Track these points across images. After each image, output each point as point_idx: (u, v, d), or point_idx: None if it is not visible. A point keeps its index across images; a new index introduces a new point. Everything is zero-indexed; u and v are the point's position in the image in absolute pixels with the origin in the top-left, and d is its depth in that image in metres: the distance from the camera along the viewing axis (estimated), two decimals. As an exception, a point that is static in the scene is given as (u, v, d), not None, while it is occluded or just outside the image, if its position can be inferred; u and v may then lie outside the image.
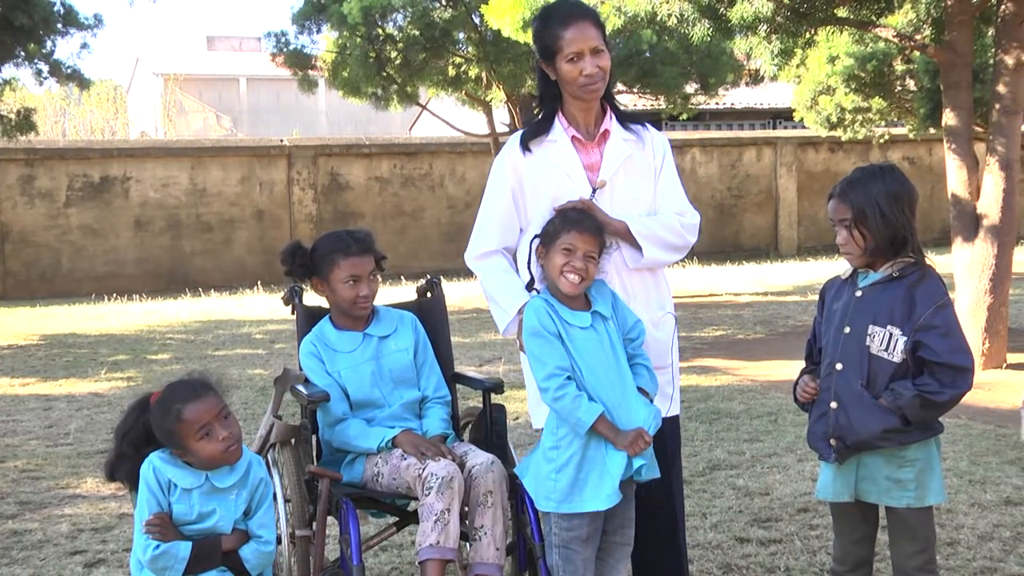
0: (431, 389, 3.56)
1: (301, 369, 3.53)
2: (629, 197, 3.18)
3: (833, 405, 2.95)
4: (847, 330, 2.95)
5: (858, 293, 2.96)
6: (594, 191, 3.15)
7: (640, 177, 3.22)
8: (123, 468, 2.84)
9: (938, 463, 2.95)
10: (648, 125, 3.30)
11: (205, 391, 2.79)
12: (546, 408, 3.02)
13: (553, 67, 3.14)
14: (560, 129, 3.21)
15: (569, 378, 2.93)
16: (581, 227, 2.99)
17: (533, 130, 3.24)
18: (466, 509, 3.24)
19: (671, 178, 3.30)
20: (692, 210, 3.32)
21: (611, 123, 3.23)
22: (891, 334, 2.86)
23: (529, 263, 3.11)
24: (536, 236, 3.08)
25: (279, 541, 3.15)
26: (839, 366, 2.95)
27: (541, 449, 3.04)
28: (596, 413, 2.90)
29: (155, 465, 2.77)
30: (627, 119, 3.27)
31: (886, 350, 2.87)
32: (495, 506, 3.20)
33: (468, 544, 3.27)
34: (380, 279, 3.59)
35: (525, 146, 3.21)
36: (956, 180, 7.84)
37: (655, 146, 3.27)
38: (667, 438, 3.23)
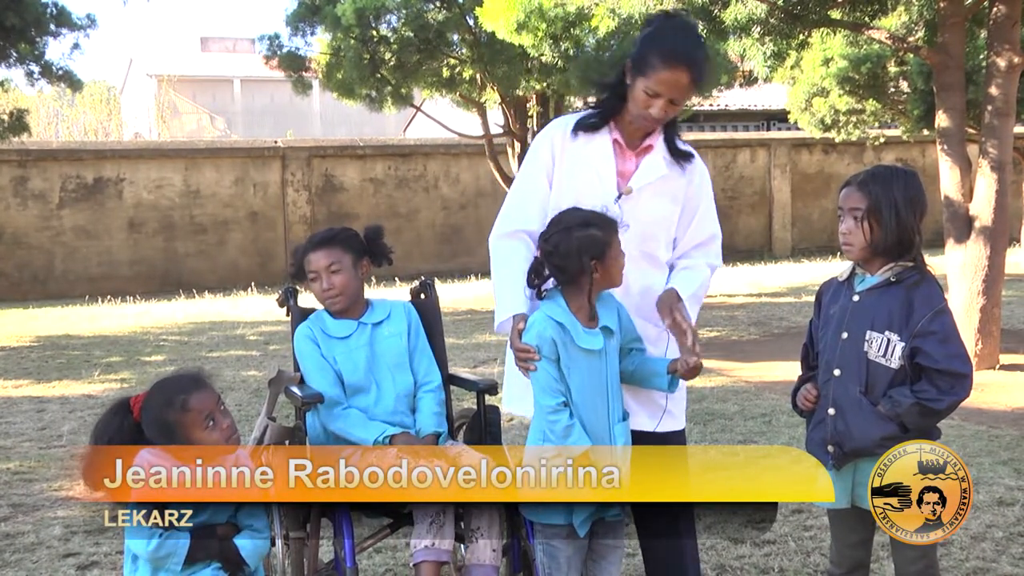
0: (421, 373, 3.56)
1: (295, 357, 3.55)
2: (651, 214, 3.12)
3: (831, 412, 2.93)
4: (845, 335, 2.93)
5: (855, 297, 2.94)
6: (619, 196, 3.10)
7: (669, 199, 3.15)
8: None
9: None
10: (696, 156, 3.22)
11: (204, 382, 2.83)
12: (525, 399, 3.04)
13: (634, 79, 3.05)
14: (605, 129, 3.16)
15: (565, 404, 2.89)
16: (611, 225, 2.94)
17: (589, 121, 3.15)
18: (460, 511, 3.24)
19: (707, 208, 3.23)
20: (720, 249, 3.27)
21: (657, 139, 3.16)
22: (889, 340, 2.85)
23: (530, 281, 3.02)
24: (592, 259, 2.89)
25: (272, 543, 3.15)
26: (837, 372, 2.93)
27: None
28: (583, 447, 2.86)
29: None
30: (677, 147, 3.18)
31: (884, 356, 2.86)
32: (491, 507, 3.20)
33: (463, 546, 3.27)
34: (357, 275, 3.55)
35: (576, 132, 3.14)
36: (949, 182, 7.86)
37: (694, 175, 3.20)
38: None
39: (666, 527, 3.18)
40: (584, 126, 3.15)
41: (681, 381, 3.07)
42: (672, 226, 3.18)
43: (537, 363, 2.89)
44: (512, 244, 3.15)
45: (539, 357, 2.89)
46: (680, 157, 3.18)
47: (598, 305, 2.98)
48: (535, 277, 2.98)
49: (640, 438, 3.12)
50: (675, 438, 3.25)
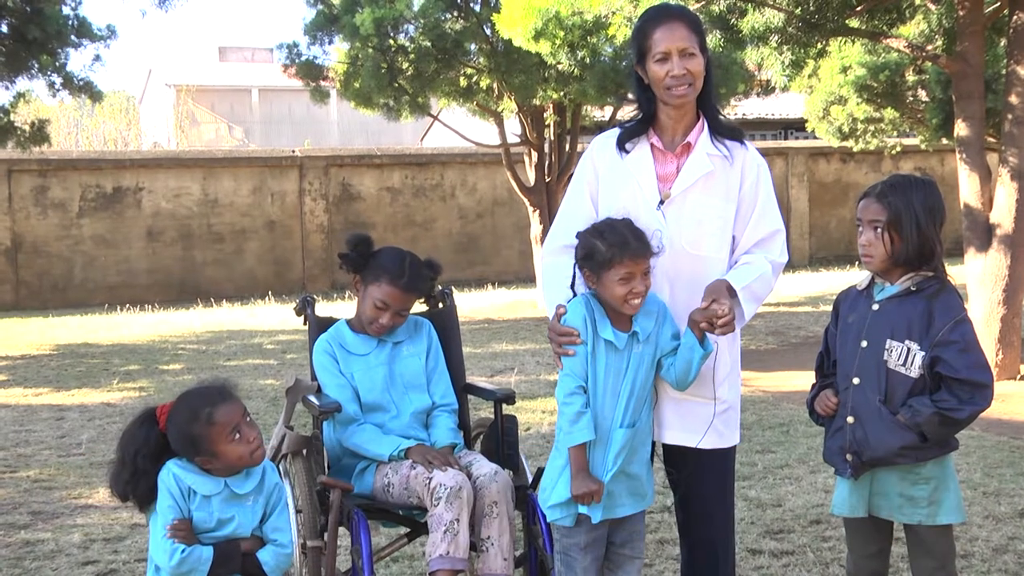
0: (439, 396, 3.56)
1: (313, 367, 3.54)
2: (698, 215, 3.04)
3: (850, 420, 2.92)
4: (864, 344, 2.92)
5: (875, 307, 2.93)
6: (661, 203, 3.05)
7: (718, 196, 3.06)
8: (143, 485, 2.81)
9: (955, 482, 2.92)
10: (747, 143, 3.13)
11: (229, 394, 2.81)
12: None
13: (645, 69, 3.03)
14: (643, 135, 3.12)
15: (584, 390, 2.91)
16: (633, 250, 2.89)
17: (630, 132, 3.13)
18: (473, 520, 3.24)
19: (766, 203, 3.09)
20: (784, 244, 3.13)
21: (698, 136, 3.08)
22: (908, 349, 2.83)
23: (573, 283, 3.02)
24: (577, 262, 2.98)
25: (291, 552, 3.15)
26: (856, 380, 2.92)
27: (554, 448, 3.05)
28: (579, 440, 2.88)
29: (175, 472, 2.77)
30: (724, 134, 3.10)
31: (903, 365, 2.84)
32: (501, 516, 3.21)
33: (477, 555, 3.27)
34: (408, 314, 3.57)
35: (621, 147, 3.11)
36: (968, 191, 7.81)
37: (746, 166, 3.08)
38: (715, 472, 3.13)
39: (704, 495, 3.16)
40: (627, 135, 3.12)
41: (724, 369, 3.06)
42: (727, 224, 3.07)
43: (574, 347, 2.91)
44: (559, 259, 3.14)
45: (581, 340, 2.91)
46: (728, 137, 3.09)
47: (640, 311, 2.97)
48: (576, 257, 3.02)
49: (683, 454, 3.11)
50: (721, 456, 3.13)
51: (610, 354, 2.93)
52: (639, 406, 2.97)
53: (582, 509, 2.91)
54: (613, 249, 2.89)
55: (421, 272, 3.55)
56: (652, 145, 3.10)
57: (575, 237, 3.03)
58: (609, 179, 3.14)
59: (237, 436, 2.75)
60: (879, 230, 2.88)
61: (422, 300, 3.72)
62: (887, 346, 2.87)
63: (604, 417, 2.93)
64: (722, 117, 3.15)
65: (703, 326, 2.88)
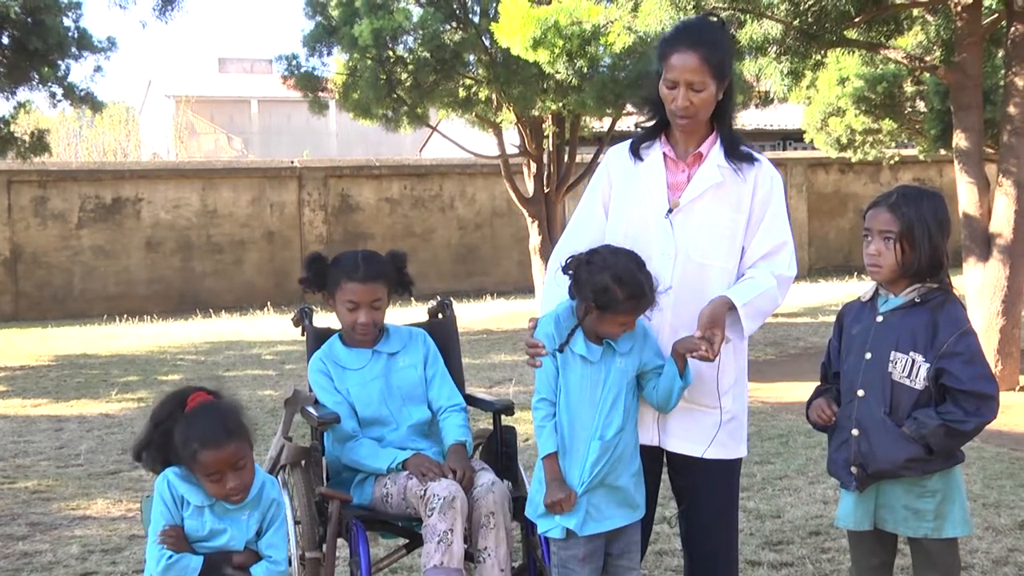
0: (444, 398, 3.54)
1: (310, 386, 3.54)
2: (706, 224, 3.03)
3: (855, 432, 2.90)
4: (868, 356, 2.90)
5: (879, 318, 2.92)
6: (669, 211, 3.04)
7: (727, 206, 3.04)
8: (149, 454, 2.84)
9: (961, 494, 2.90)
10: (760, 159, 3.10)
11: (227, 440, 2.72)
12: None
13: (660, 82, 3.02)
14: (657, 144, 3.12)
15: (550, 403, 2.94)
16: (647, 302, 2.88)
17: (642, 137, 3.13)
18: (468, 530, 3.23)
19: (776, 215, 3.08)
20: (792, 257, 3.11)
21: (710, 147, 3.07)
22: (913, 360, 2.82)
23: (570, 291, 2.99)
24: (594, 305, 2.88)
25: (289, 563, 3.14)
26: (861, 393, 2.90)
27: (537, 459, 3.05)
28: (545, 452, 2.92)
29: (170, 480, 2.78)
30: (737, 146, 3.08)
31: (908, 377, 2.83)
32: (497, 527, 3.19)
33: (475, 565, 3.26)
34: (386, 307, 3.53)
35: (635, 152, 3.11)
36: (967, 201, 7.83)
37: (759, 178, 3.06)
38: (718, 483, 3.13)
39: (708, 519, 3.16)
40: (639, 141, 3.13)
41: (729, 398, 3.07)
42: (735, 235, 3.06)
43: (541, 359, 2.95)
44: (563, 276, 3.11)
45: (545, 352, 2.94)
46: (740, 159, 3.07)
47: None
48: (567, 268, 3.00)
49: (687, 464, 3.11)
50: (724, 467, 3.14)
51: (584, 367, 2.93)
52: (621, 418, 2.94)
53: (557, 519, 2.90)
54: (631, 302, 2.87)
55: (377, 259, 3.53)
56: (664, 154, 3.11)
57: (587, 262, 2.95)
58: (622, 187, 3.14)
59: (217, 479, 2.73)
60: (890, 240, 2.86)
61: (410, 297, 3.70)
62: (892, 358, 2.85)
63: (581, 428, 2.92)
64: (737, 142, 3.12)
65: (688, 357, 2.91)
